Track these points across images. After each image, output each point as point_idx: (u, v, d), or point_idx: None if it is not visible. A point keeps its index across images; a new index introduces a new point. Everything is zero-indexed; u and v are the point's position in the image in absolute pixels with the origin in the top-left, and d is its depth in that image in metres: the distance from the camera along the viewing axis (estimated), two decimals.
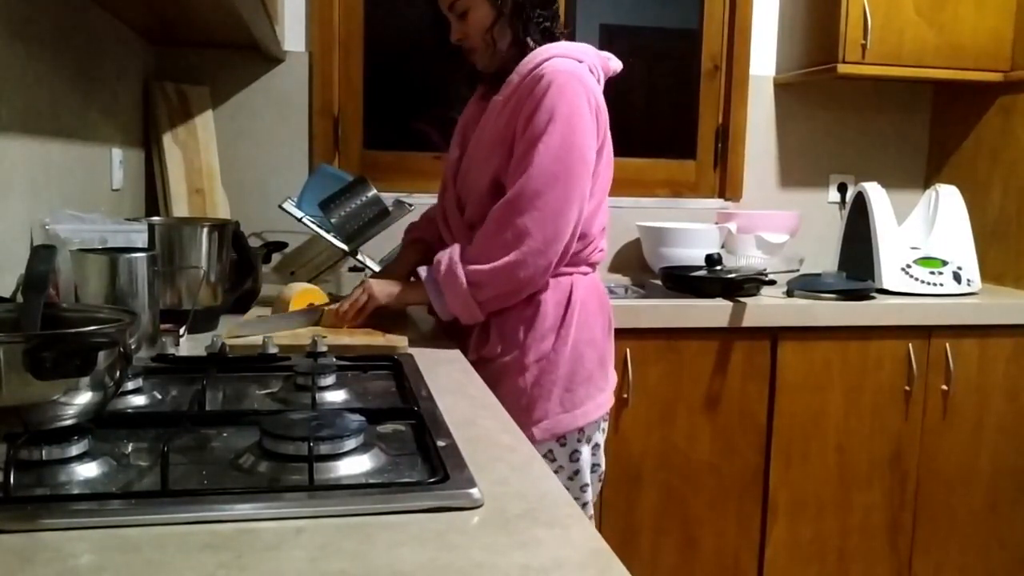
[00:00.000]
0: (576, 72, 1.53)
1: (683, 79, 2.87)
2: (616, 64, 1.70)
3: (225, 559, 0.65)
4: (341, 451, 0.84)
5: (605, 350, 1.66)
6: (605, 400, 1.64)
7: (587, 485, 1.62)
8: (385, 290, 1.59)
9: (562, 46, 1.59)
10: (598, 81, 1.61)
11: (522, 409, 1.54)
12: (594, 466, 1.65)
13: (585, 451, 1.61)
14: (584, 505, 1.63)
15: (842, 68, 2.46)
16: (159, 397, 1.09)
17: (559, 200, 1.50)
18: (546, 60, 1.54)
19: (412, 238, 1.84)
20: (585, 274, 1.64)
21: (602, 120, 1.57)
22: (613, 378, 1.70)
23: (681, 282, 2.31)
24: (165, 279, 1.48)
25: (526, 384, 1.55)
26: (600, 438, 1.66)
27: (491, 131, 1.59)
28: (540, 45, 1.59)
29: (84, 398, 0.80)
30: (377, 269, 1.98)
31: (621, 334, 2.07)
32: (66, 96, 1.65)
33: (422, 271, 1.58)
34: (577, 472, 1.60)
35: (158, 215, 2.25)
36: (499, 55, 1.61)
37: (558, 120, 1.49)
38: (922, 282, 2.38)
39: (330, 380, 1.14)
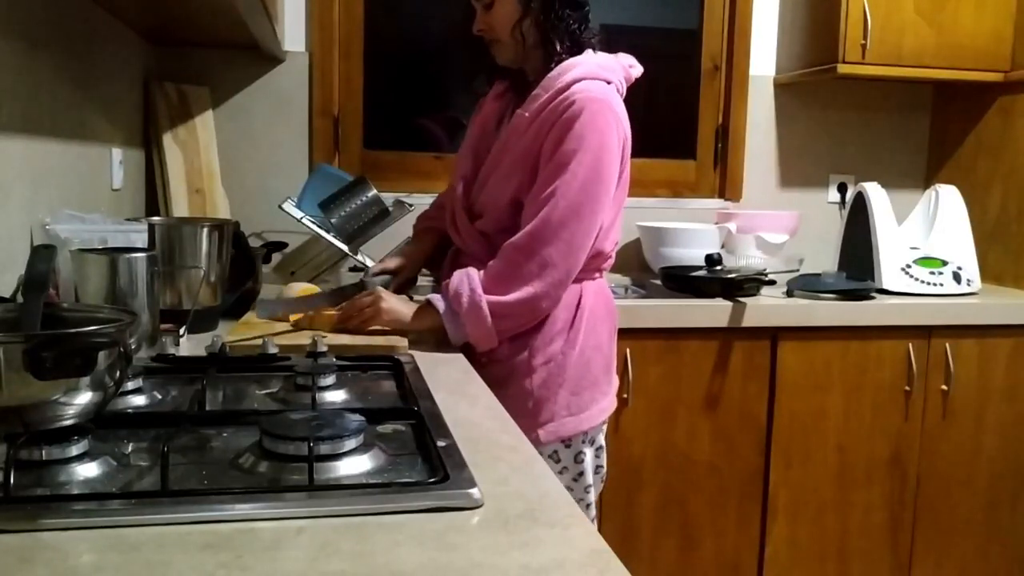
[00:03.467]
0: (607, 99, 1.52)
1: (683, 79, 2.86)
2: (638, 71, 1.68)
3: (225, 559, 0.65)
4: (341, 451, 0.84)
5: (610, 355, 1.67)
6: (608, 404, 1.65)
7: (590, 486, 1.63)
8: (397, 310, 1.50)
9: (591, 63, 1.56)
10: (622, 96, 1.60)
11: (528, 411, 1.54)
12: (597, 467, 1.66)
13: (589, 453, 1.62)
14: (588, 506, 1.63)
15: (842, 68, 2.46)
16: (159, 397, 1.09)
17: (583, 232, 1.49)
18: (576, 81, 1.52)
19: (423, 227, 1.83)
20: (594, 279, 1.64)
21: (626, 145, 1.57)
22: (615, 381, 1.71)
23: (681, 282, 2.31)
24: (165, 279, 1.48)
25: (533, 386, 1.55)
26: (602, 440, 1.67)
27: (515, 148, 1.56)
28: (567, 50, 1.57)
29: (84, 398, 0.80)
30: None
31: (621, 334, 2.07)
32: (66, 96, 1.65)
33: (437, 302, 1.50)
34: (581, 474, 1.61)
35: (158, 215, 2.25)
36: (525, 53, 1.60)
37: (588, 151, 1.48)
38: (922, 282, 2.38)
39: (330, 380, 1.14)
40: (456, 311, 1.48)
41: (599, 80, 1.54)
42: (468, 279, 1.49)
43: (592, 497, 1.65)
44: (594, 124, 1.48)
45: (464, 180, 1.69)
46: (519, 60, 1.62)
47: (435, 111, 2.76)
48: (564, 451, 1.58)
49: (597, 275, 1.65)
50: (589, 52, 1.59)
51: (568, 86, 1.52)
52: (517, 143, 1.56)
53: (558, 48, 1.56)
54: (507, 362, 1.56)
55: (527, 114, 1.55)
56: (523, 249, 1.49)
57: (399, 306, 1.52)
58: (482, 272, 1.51)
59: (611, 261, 1.68)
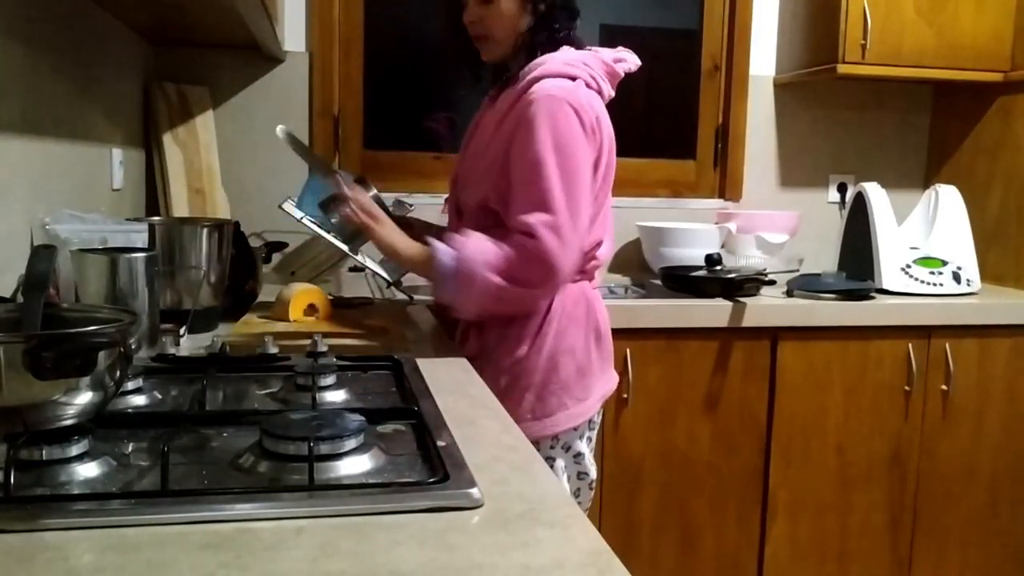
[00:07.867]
0: (563, 96, 1.48)
1: (683, 79, 2.86)
2: (630, 64, 1.66)
3: (225, 559, 0.65)
4: (341, 451, 0.84)
5: (588, 361, 1.61)
6: (580, 412, 1.59)
7: (566, 490, 1.59)
8: (389, 239, 1.51)
9: (556, 61, 1.54)
10: (600, 92, 1.57)
11: None
12: (580, 474, 1.61)
13: (561, 460, 1.58)
14: None
15: (842, 68, 2.46)
16: (159, 397, 1.09)
17: (578, 231, 1.47)
18: (536, 81, 1.50)
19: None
20: (575, 282, 1.60)
21: (600, 134, 1.53)
22: (601, 388, 1.64)
23: (681, 282, 2.31)
24: (165, 279, 1.48)
25: (499, 387, 1.51)
26: (583, 447, 1.61)
27: (486, 151, 1.56)
28: (545, 50, 1.55)
29: (84, 398, 0.80)
30: (378, 269, 1.97)
31: (621, 334, 2.08)
32: (66, 96, 1.65)
33: (442, 254, 1.46)
34: None
35: (158, 215, 2.25)
36: (512, 53, 1.58)
37: (554, 151, 1.45)
38: (922, 282, 2.38)
39: (330, 380, 1.14)
40: (457, 271, 1.44)
41: (561, 77, 1.51)
42: (481, 243, 1.47)
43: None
44: (551, 121, 1.46)
45: (453, 179, 1.71)
46: (506, 59, 1.60)
47: (435, 111, 2.76)
48: None
49: (578, 277, 1.60)
50: (565, 48, 1.57)
51: (528, 87, 1.51)
52: (488, 147, 1.55)
53: (539, 53, 1.56)
54: (475, 362, 1.51)
55: (497, 116, 1.55)
56: (532, 252, 1.44)
57: (396, 234, 1.52)
58: (496, 249, 1.47)
59: (596, 262, 1.63)
